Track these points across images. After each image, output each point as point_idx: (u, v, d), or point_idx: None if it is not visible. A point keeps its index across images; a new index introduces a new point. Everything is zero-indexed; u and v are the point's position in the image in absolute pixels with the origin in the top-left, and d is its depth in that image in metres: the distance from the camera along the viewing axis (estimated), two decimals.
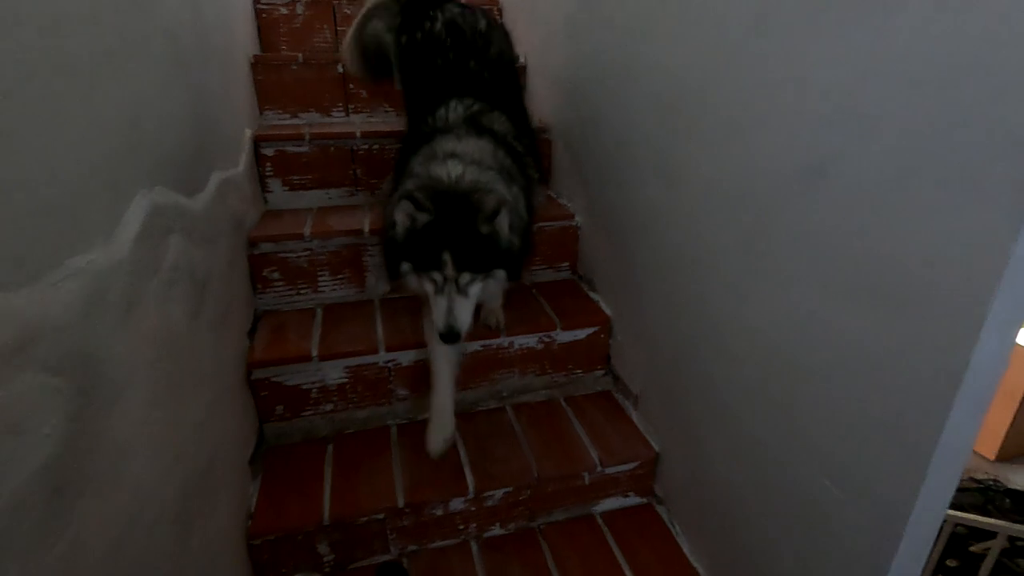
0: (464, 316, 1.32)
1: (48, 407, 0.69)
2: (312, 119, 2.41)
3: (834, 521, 1.04)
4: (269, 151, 2.10)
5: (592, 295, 2.08)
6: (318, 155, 2.16)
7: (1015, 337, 0.78)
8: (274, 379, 1.69)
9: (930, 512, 0.90)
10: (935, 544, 2.78)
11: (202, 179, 1.47)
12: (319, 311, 1.95)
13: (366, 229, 1.95)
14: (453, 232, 1.29)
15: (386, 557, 1.58)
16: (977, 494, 3.81)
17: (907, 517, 0.89)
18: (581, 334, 1.93)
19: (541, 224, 2.13)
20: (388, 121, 2.45)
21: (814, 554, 1.11)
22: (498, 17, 2.77)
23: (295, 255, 1.92)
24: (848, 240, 0.95)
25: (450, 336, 1.30)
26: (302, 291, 1.97)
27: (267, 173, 2.13)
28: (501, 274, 1.39)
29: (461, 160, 1.42)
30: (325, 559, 1.53)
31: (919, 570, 0.97)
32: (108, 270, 0.88)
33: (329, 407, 1.78)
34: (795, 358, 1.10)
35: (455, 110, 1.63)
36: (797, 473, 1.12)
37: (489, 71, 1.79)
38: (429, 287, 1.33)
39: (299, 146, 2.13)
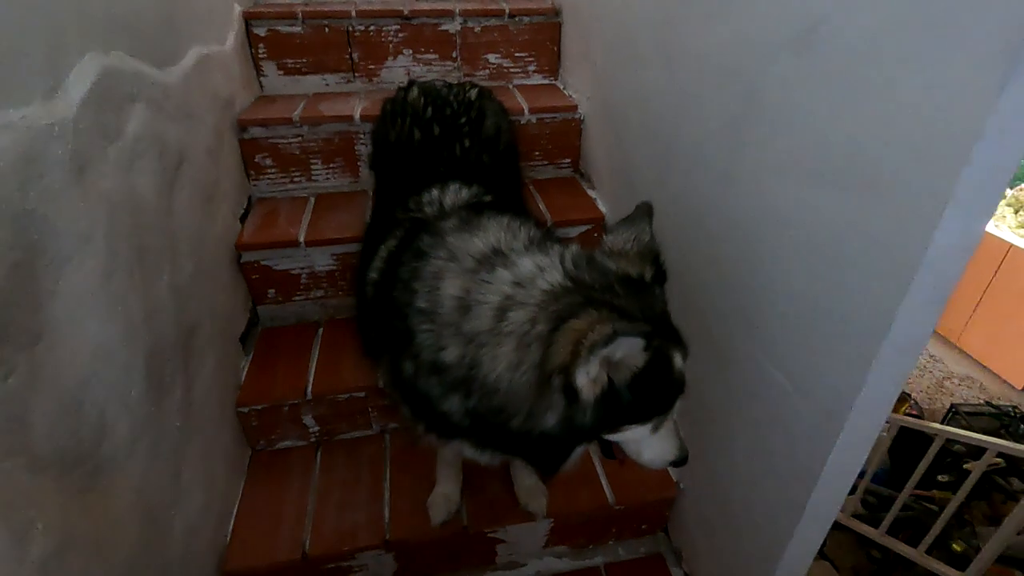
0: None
1: None
2: None
3: (783, 414, 1.03)
4: (261, 30, 2.01)
5: (590, 192, 2.00)
6: (312, 36, 2.06)
7: (980, 229, 0.70)
8: (263, 262, 1.73)
9: (871, 411, 0.87)
10: (888, 447, 2.74)
11: (175, 51, 1.42)
12: (312, 199, 1.95)
13: (357, 116, 1.89)
14: (668, 331, 0.86)
15: (368, 432, 1.68)
16: (992, 419, 3.75)
17: (846, 415, 0.87)
18: (573, 232, 1.88)
19: (542, 116, 2.02)
20: (387, 0, 2.30)
21: (762, 445, 1.12)
22: None
23: (286, 141, 1.89)
24: (827, 118, 0.87)
25: (686, 456, 0.98)
26: (296, 179, 1.96)
27: (260, 55, 2.06)
28: None
29: (517, 252, 0.92)
30: (311, 430, 1.64)
31: (857, 467, 0.96)
32: (48, 128, 0.87)
33: (320, 293, 1.83)
34: (765, 247, 1.04)
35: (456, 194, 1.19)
36: (752, 364, 1.10)
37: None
38: (640, 430, 0.89)
39: (292, 26, 2.03)
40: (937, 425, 2.63)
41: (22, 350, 0.79)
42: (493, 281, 0.87)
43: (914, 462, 2.57)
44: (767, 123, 1.01)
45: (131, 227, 1.10)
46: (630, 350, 0.75)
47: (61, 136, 0.91)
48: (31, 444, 0.79)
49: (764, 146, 1.03)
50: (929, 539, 2.36)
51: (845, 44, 0.82)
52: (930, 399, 4.48)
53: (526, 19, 2.19)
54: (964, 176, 0.66)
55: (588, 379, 0.76)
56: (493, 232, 0.96)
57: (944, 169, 0.67)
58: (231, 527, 1.43)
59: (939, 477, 2.77)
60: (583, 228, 1.88)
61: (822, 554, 2.78)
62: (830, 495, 0.99)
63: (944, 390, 4.59)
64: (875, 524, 2.65)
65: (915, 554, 2.38)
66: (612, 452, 0.98)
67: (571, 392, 0.77)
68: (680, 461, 0.97)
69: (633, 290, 0.86)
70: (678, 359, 0.84)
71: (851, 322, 0.85)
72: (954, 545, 2.59)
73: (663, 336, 0.82)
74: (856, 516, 2.84)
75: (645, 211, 0.97)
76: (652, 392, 0.82)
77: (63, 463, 0.85)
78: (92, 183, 0.98)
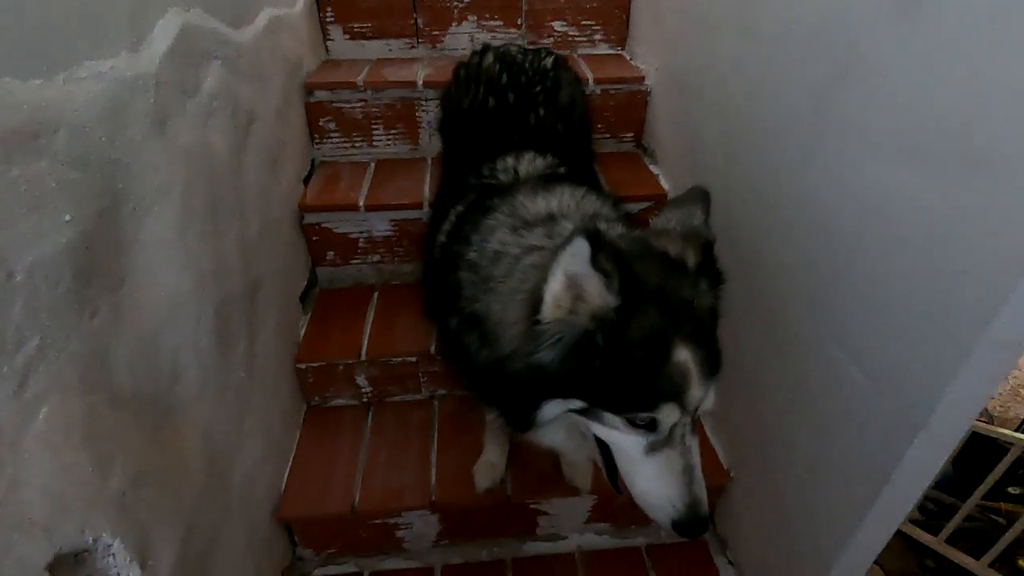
0: (701, 476, 0.77)
1: (67, 196, 0.75)
2: None
3: (855, 406, 0.97)
4: None
5: (652, 168, 1.94)
6: (378, 0, 2.05)
7: None
8: (324, 225, 1.77)
9: (959, 409, 0.81)
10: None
11: (249, 12, 1.45)
12: (372, 165, 1.96)
13: (420, 82, 1.88)
14: (683, 318, 0.73)
15: (418, 397, 1.71)
16: None
17: (930, 412, 0.81)
18: (633, 208, 1.82)
19: (607, 87, 1.95)
20: None
21: (828, 438, 1.06)
22: None
23: (350, 106, 1.90)
24: (932, 91, 0.79)
25: (698, 524, 0.75)
26: (357, 144, 1.98)
27: (328, 19, 2.07)
28: None
29: (569, 219, 0.92)
30: (363, 390, 1.68)
31: (935, 469, 0.90)
32: (133, 80, 0.90)
33: (376, 258, 1.86)
34: (846, 229, 0.97)
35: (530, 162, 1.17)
36: (821, 353, 1.04)
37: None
38: (629, 440, 0.76)
39: None
40: (1016, 433, 2.45)
41: (106, 293, 0.83)
42: (526, 236, 0.88)
43: (980, 471, 2.41)
44: (860, 96, 0.93)
45: (205, 182, 1.13)
46: (579, 258, 0.66)
47: (145, 89, 0.93)
48: (112, 382, 0.84)
49: (854, 122, 0.95)
50: (995, 552, 2.22)
51: (958, 8, 0.74)
52: (1003, 407, 4.18)
53: None
54: None
55: (552, 298, 0.71)
56: (559, 199, 0.95)
57: None
58: (286, 477, 1.49)
59: (1009, 489, 2.60)
60: (644, 205, 1.83)
61: None
62: (901, 497, 0.93)
63: (1020, 398, 4.28)
64: (932, 531, 2.52)
65: (977, 566, 2.25)
66: (617, 484, 0.86)
67: (537, 306, 0.72)
68: (682, 522, 0.74)
69: (664, 266, 0.77)
70: (682, 351, 0.70)
71: (945, 313, 0.78)
72: (1020, 562, 2.43)
73: (659, 305, 0.70)
74: (911, 521, 2.70)
75: (698, 196, 0.89)
76: (625, 366, 0.70)
77: (140, 402, 0.90)
78: (172, 137, 1.01)
